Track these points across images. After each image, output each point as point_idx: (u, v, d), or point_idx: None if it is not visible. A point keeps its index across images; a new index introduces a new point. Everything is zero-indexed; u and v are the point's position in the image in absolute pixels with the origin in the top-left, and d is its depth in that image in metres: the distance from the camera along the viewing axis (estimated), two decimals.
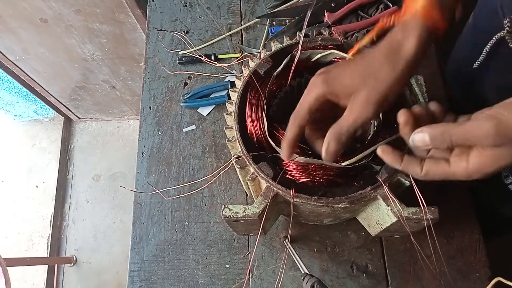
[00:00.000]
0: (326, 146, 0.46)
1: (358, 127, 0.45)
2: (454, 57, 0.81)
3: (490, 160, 0.39)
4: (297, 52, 0.60)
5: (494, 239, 0.91)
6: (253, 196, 0.61)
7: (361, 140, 0.59)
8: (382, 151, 0.46)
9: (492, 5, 0.60)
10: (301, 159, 0.52)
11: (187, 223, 0.76)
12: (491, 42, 0.60)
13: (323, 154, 0.47)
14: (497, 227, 0.94)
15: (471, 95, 0.75)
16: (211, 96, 0.85)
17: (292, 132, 0.48)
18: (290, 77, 0.59)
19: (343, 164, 0.52)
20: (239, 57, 0.85)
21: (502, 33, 0.58)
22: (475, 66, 0.66)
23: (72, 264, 1.95)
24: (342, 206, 0.51)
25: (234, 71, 0.86)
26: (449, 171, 0.42)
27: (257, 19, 0.91)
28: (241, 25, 0.92)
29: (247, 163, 0.54)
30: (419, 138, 0.41)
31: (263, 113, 0.56)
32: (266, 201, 0.51)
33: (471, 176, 0.41)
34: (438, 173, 0.43)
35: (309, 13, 0.49)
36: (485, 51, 0.62)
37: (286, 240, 0.69)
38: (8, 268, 1.32)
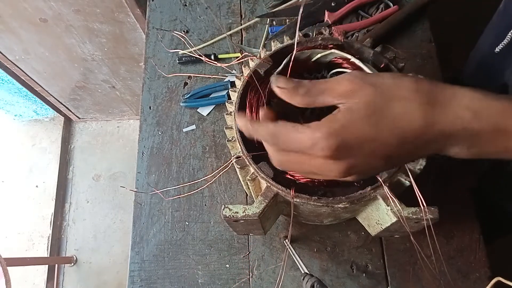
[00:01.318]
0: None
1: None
2: (480, 44, 0.80)
3: None
4: (297, 52, 0.59)
5: (496, 239, 0.91)
6: (253, 196, 0.61)
7: None
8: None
9: None
10: None
11: (187, 223, 0.76)
12: None
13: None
14: (499, 226, 0.93)
15: (491, 81, 0.73)
16: (211, 96, 0.85)
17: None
18: (287, 75, 0.59)
19: None
20: (239, 57, 0.85)
21: None
22: (498, 49, 0.64)
23: (72, 264, 1.95)
24: (342, 206, 0.51)
25: (234, 71, 0.86)
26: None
27: (257, 19, 0.90)
28: (241, 25, 0.92)
29: (247, 163, 0.54)
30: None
31: None
32: (266, 201, 0.51)
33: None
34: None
35: (301, 10, 0.49)
36: (510, 34, 0.60)
37: (286, 240, 0.69)
38: (8, 268, 1.32)
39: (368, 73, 0.48)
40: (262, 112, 0.43)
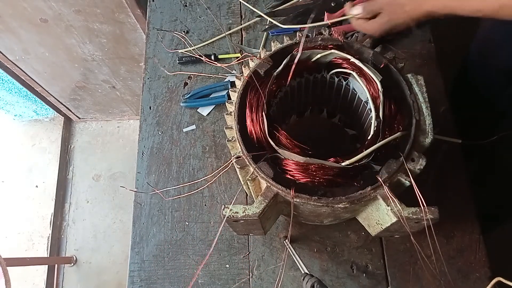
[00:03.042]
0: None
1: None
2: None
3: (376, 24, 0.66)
4: (297, 52, 0.60)
5: (494, 233, 0.91)
6: (253, 196, 0.61)
7: (361, 140, 0.59)
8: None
9: None
10: (301, 159, 0.52)
11: (187, 223, 0.76)
12: None
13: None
14: (497, 219, 0.93)
15: (503, 46, 0.76)
16: (211, 96, 0.85)
17: None
18: (290, 77, 0.59)
19: (343, 164, 0.52)
20: (239, 57, 0.85)
21: None
22: None
23: (72, 264, 1.95)
24: (342, 206, 0.51)
25: (234, 71, 0.86)
26: (364, 26, 0.69)
27: (257, 18, 0.90)
28: (241, 25, 0.92)
29: (247, 163, 0.54)
30: (356, 9, 0.68)
31: (263, 113, 0.56)
32: (266, 201, 0.51)
33: (373, 31, 0.68)
34: (359, 25, 0.70)
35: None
36: None
37: (286, 240, 0.69)
38: (8, 268, 1.32)
39: None
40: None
